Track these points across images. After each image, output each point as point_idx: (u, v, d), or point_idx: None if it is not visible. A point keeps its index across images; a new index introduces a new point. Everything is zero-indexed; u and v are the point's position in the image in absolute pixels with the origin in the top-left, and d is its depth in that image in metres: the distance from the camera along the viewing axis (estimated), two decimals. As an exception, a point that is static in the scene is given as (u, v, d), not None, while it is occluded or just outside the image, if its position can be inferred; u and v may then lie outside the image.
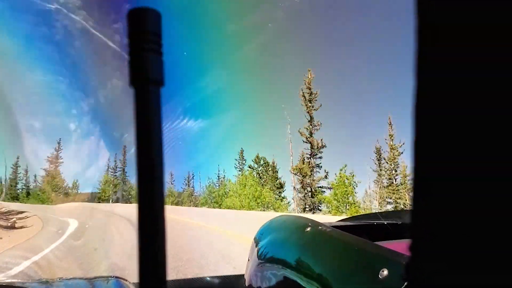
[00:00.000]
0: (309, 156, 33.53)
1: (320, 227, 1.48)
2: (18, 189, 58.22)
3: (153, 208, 0.34)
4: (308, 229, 1.51)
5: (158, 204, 0.34)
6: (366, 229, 1.80)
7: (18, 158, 57.38)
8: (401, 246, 1.13)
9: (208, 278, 2.74)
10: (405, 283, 0.78)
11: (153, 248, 0.34)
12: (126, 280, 1.46)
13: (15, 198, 55.11)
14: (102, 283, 1.48)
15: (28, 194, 55.93)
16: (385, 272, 0.88)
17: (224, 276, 2.76)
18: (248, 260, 1.94)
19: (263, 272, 1.68)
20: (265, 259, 1.71)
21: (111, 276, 1.52)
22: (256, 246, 1.86)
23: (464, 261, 0.24)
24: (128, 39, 0.35)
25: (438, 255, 0.26)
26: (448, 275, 0.25)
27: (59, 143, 56.67)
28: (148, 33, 0.35)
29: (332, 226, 1.51)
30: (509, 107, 0.23)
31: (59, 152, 56.97)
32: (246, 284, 1.86)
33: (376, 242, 1.22)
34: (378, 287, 0.89)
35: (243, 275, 2.04)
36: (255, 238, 1.96)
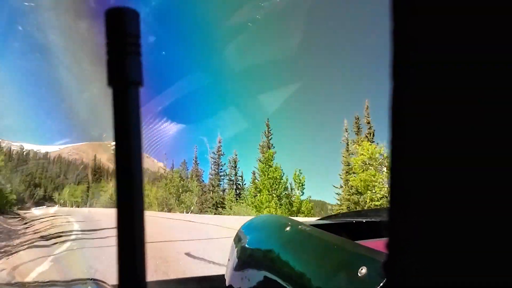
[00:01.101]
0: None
1: (299, 226, 1.49)
2: (224, 188, 39.10)
3: (132, 209, 0.33)
4: (288, 228, 1.51)
5: (137, 205, 0.34)
6: (346, 227, 1.82)
7: (220, 141, 40.08)
8: (380, 244, 1.15)
9: (188, 279, 2.73)
10: (383, 281, 0.79)
11: (132, 249, 0.34)
12: (105, 283, 1.43)
13: (219, 205, 37.28)
14: (80, 287, 1.46)
15: (237, 198, 36.34)
16: (364, 270, 0.89)
17: (204, 276, 2.74)
18: (229, 260, 1.93)
19: (242, 272, 1.67)
20: (244, 259, 1.71)
21: (89, 279, 1.49)
22: (236, 246, 1.85)
23: (440, 259, 0.25)
24: (106, 39, 0.35)
25: (415, 253, 0.26)
26: (424, 273, 0.26)
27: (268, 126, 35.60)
28: (127, 33, 0.35)
29: (312, 225, 1.52)
30: (489, 109, 0.24)
31: (269, 137, 35.25)
32: (226, 284, 1.85)
33: (356, 241, 1.24)
34: (357, 285, 0.90)
35: (223, 275, 2.04)
36: (234, 238, 1.96)
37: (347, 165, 30.67)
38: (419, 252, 0.26)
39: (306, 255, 1.30)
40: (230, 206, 35.31)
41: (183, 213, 34.44)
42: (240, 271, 1.70)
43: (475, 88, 0.23)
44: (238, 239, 1.90)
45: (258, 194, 31.41)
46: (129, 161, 0.34)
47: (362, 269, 0.90)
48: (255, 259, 1.61)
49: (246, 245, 1.77)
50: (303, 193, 30.90)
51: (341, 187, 30.59)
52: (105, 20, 0.34)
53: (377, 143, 28.22)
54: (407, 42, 0.27)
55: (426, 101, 0.26)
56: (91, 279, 1.47)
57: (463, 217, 0.24)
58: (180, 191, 39.16)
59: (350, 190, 28.36)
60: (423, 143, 0.26)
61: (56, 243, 10.27)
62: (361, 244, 1.12)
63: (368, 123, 30.47)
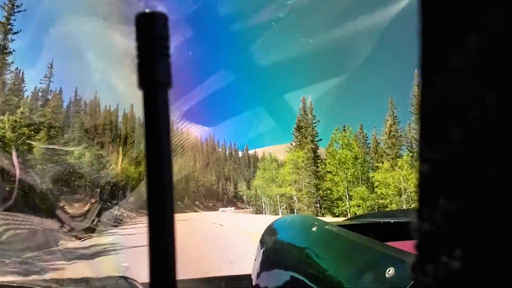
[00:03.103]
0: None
1: (326, 227, 1.48)
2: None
3: (163, 208, 0.34)
4: (314, 228, 1.51)
5: (168, 204, 0.34)
6: (373, 228, 1.79)
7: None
8: (408, 245, 1.13)
9: (216, 278, 2.76)
10: (412, 282, 0.77)
11: (163, 248, 0.34)
12: (135, 281, 1.47)
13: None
14: (111, 283, 1.50)
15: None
16: (392, 271, 0.88)
17: (231, 276, 2.77)
18: (255, 259, 1.94)
19: (269, 272, 1.68)
20: (271, 258, 1.71)
21: (120, 277, 1.53)
22: (262, 246, 1.86)
23: (470, 262, 0.24)
24: (136, 42, 0.36)
25: (444, 254, 0.26)
26: (454, 275, 0.25)
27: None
28: (156, 36, 0.36)
29: (338, 225, 1.51)
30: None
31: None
32: (253, 283, 1.86)
33: (384, 242, 1.22)
34: (384, 286, 0.89)
35: (249, 275, 2.05)
36: (261, 238, 1.96)
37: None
38: (448, 253, 0.25)
39: (333, 255, 1.29)
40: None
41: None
42: (267, 270, 1.70)
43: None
44: (264, 239, 1.90)
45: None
46: (159, 160, 0.35)
47: (389, 270, 0.89)
48: (282, 259, 1.61)
49: (273, 245, 1.77)
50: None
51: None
52: (135, 24, 0.36)
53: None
54: (436, 43, 0.26)
55: (455, 101, 0.25)
56: (122, 277, 1.51)
57: (496, 218, 0.23)
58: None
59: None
60: (453, 142, 0.25)
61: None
62: (388, 245, 1.11)
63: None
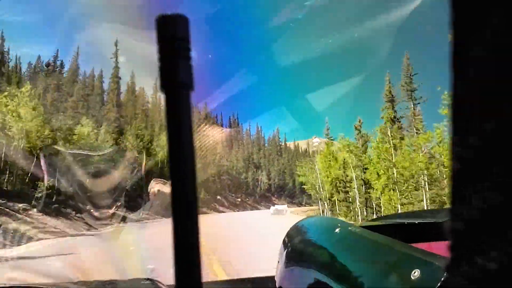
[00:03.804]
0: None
1: (349, 228, 1.46)
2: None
3: (187, 210, 0.34)
4: (337, 230, 1.49)
5: (192, 206, 0.35)
6: (397, 229, 1.76)
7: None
8: (434, 246, 1.10)
9: (241, 280, 2.77)
10: (438, 284, 0.76)
11: (188, 250, 0.34)
12: (160, 283, 1.48)
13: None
14: (137, 286, 1.52)
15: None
16: (417, 273, 0.86)
17: (254, 278, 2.77)
18: (278, 262, 1.94)
19: (293, 273, 1.67)
20: (295, 260, 1.70)
21: (145, 279, 1.55)
22: (285, 248, 1.85)
23: (508, 262, 0.23)
24: (157, 45, 0.36)
25: (479, 254, 0.25)
26: (490, 275, 0.24)
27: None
28: (177, 38, 0.36)
29: (362, 226, 1.49)
30: None
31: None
32: (277, 285, 1.86)
33: (409, 243, 1.20)
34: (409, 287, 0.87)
35: (273, 276, 2.04)
36: (284, 240, 1.96)
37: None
38: (484, 254, 0.24)
39: (356, 256, 1.28)
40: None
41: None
42: (290, 272, 1.69)
43: None
44: (287, 241, 1.90)
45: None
46: (182, 162, 0.35)
47: (415, 272, 0.87)
48: (305, 260, 1.60)
49: (296, 247, 1.76)
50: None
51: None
52: (156, 27, 0.36)
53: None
54: (469, 35, 0.26)
55: (488, 95, 0.24)
56: (148, 279, 1.53)
57: None
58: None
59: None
60: (486, 137, 0.24)
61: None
62: (413, 246, 1.09)
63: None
